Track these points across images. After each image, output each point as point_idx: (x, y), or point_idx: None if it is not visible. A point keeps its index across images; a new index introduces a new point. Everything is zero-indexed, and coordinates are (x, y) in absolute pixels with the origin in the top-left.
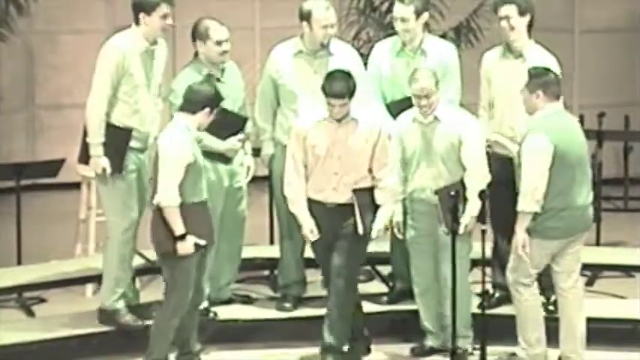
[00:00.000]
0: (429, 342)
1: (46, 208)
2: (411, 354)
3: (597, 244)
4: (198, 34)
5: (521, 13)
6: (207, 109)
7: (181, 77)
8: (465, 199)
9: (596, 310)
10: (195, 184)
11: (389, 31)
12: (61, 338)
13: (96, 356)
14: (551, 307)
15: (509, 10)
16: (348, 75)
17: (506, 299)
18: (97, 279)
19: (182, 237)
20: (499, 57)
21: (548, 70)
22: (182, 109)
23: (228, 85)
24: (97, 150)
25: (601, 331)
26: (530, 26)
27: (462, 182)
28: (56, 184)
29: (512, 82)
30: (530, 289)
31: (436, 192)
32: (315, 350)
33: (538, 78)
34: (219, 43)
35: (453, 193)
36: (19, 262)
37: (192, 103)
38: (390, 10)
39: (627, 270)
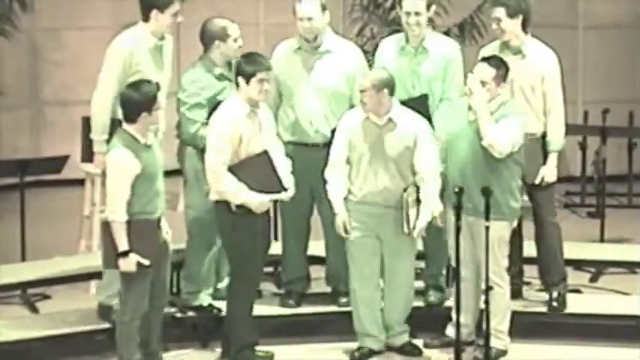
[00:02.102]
0: (368, 344)
1: (49, 205)
2: (351, 358)
3: (601, 240)
4: (215, 34)
5: (511, 16)
6: (144, 114)
7: (193, 76)
8: (419, 202)
9: (599, 306)
10: (145, 195)
11: (393, 27)
12: (65, 335)
13: (100, 353)
14: (554, 304)
15: (498, 12)
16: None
17: (511, 294)
18: (100, 275)
19: (125, 254)
20: (497, 53)
21: (502, 60)
22: (125, 119)
23: (233, 82)
24: (101, 147)
25: (604, 328)
26: (524, 25)
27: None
28: (60, 181)
29: (513, 78)
30: (508, 276)
31: (405, 189)
32: (319, 346)
33: (501, 69)
34: (236, 39)
35: (411, 194)
36: (23, 259)
37: (129, 111)
38: (393, 7)
39: (631, 266)
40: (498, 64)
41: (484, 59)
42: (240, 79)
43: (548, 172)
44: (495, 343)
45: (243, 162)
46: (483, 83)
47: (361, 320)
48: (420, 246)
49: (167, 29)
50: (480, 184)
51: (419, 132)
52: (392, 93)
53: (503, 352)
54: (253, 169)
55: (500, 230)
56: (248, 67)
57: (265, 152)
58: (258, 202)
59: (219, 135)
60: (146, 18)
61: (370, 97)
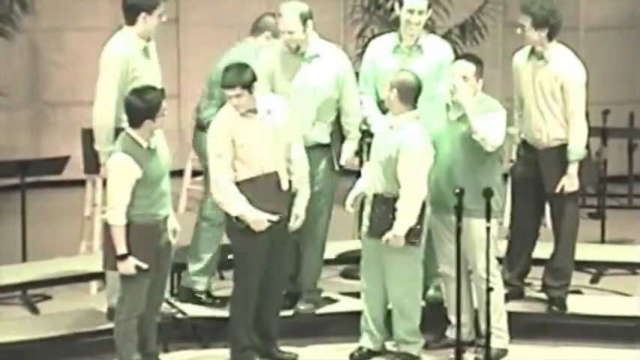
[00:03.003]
0: (367, 344)
1: (50, 206)
2: (350, 358)
3: (602, 241)
4: (271, 27)
5: (536, 27)
6: (147, 121)
7: (241, 56)
8: (394, 216)
9: (600, 307)
10: (148, 198)
11: (394, 28)
12: (66, 335)
13: (100, 353)
14: (555, 308)
15: (524, 20)
16: (244, 66)
17: (513, 295)
18: (101, 276)
19: (123, 257)
20: (526, 58)
21: (477, 56)
22: (128, 123)
23: None
24: (107, 158)
25: (605, 329)
26: (551, 36)
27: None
28: (61, 182)
29: (536, 83)
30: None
31: (375, 195)
32: (321, 347)
33: (479, 65)
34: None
35: (388, 203)
36: (24, 260)
37: (132, 117)
38: (394, 7)
39: (631, 267)
40: (475, 59)
41: (460, 56)
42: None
43: (569, 182)
44: (496, 342)
45: (251, 179)
46: (465, 78)
47: (364, 315)
48: None
49: (154, 31)
50: (467, 183)
51: (403, 146)
52: (406, 99)
53: (504, 351)
54: (260, 187)
55: (492, 229)
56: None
57: (275, 173)
58: (254, 218)
59: (214, 145)
60: (132, 22)
61: (386, 93)
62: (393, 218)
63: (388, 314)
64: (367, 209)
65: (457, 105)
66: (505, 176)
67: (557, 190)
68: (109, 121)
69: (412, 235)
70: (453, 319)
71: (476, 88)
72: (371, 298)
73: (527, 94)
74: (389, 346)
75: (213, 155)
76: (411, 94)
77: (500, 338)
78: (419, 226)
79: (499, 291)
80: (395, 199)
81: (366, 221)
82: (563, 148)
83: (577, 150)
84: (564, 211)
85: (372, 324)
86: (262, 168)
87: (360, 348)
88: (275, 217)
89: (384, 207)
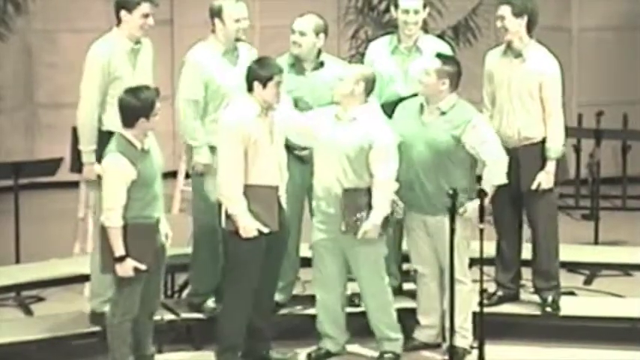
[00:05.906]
0: (327, 345)
1: (44, 207)
2: (307, 359)
3: (595, 242)
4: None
5: (516, 15)
6: (142, 119)
7: None
8: (370, 206)
9: (594, 308)
10: (142, 199)
11: (387, 29)
12: (60, 337)
13: (94, 355)
14: (548, 309)
15: (503, 10)
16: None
17: (508, 297)
18: None
19: (121, 259)
20: (500, 56)
21: (457, 62)
22: (122, 124)
23: None
24: (89, 157)
25: (599, 330)
26: (529, 27)
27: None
28: (55, 183)
29: (511, 81)
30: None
31: (345, 190)
32: (308, 348)
33: (449, 66)
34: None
35: (359, 196)
36: (18, 261)
37: (126, 116)
38: (388, 9)
39: (625, 269)
40: (445, 60)
41: (438, 55)
42: (257, 83)
43: (545, 179)
44: (460, 341)
45: (253, 186)
46: (426, 73)
47: (321, 322)
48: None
49: (139, 31)
50: (439, 184)
51: (377, 136)
52: (368, 91)
53: (469, 351)
54: (259, 197)
55: (465, 229)
56: (264, 70)
57: (276, 187)
58: (245, 224)
59: (230, 142)
60: (119, 21)
61: (345, 87)
62: (369, 209)
63: (347, 315)
64: (328, 209)
65: (431, 108)
66: (479, 178)
67: (534, 187)
68: (91, 121)
69: (384, 224)
70: (422, 319)
71: (435, 89)
72: (328, 302)
73: (501, 92)
74: (349, 347)
75: (227, 147)
76: (372, 86)
77: (465, 339)
78: (390, 215)
79: (468, 290)
80: (367, 190)
81: (329, 223)
82: (538, 146)
83: (556, 147)
84: (542, 212)
85: (330, 327)
86: (268, 178)
87: (319, 348)
88: (265, 230)
89: (357, 200)
